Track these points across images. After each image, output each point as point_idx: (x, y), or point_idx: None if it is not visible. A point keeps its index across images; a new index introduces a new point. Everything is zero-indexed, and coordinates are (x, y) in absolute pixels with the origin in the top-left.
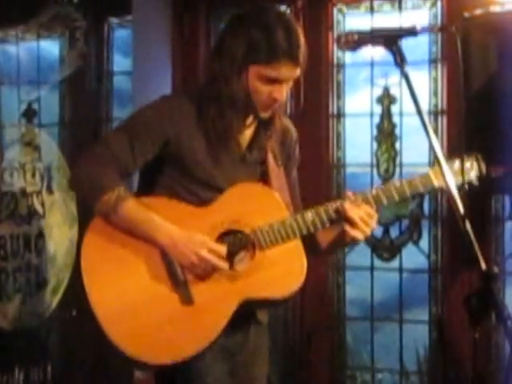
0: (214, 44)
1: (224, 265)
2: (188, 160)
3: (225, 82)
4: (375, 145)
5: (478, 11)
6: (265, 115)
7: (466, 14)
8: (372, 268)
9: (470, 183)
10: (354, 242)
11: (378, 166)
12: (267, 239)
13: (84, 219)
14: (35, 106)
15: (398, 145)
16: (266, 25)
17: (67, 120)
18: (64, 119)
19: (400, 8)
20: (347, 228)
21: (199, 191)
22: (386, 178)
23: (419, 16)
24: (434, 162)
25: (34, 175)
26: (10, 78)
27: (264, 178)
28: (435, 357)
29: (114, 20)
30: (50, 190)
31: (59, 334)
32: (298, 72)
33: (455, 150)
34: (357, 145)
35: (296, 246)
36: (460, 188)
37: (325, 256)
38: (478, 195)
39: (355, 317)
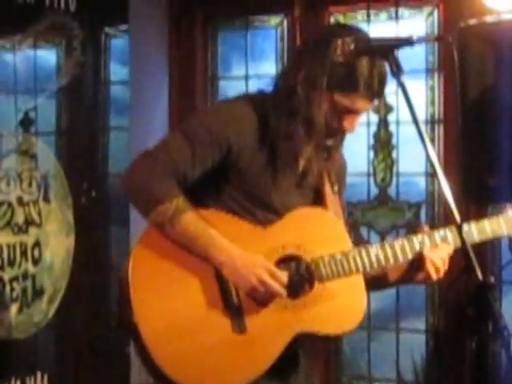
0: (289, 60)
1: (284, 292)
2: (247, 175)
3: (306, 102)
4: (372, 154)
5: (475, 21)
6: (329, 142)
7: (463, 24)
8: None
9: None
10: (425, 281)
11: (374, 174)
12: (328, 271)
13: (81, 228)
14: (32, 115)
15: (394, 154)
16: (352, 54)
17: (64, 129)
18: (61, 128)
19: (397, 17)
20: (425, 266)
21: (254, 210)
22: (383, 187)
23: (416, 25)
24: (431, 172)
25: (30, 184)
26: (6, 87)
27: (318, 203)
28: (432, 366)
29: (110, 29)
30: (46, 199)
31: (56, 343)
32: (372, 105)
33: (452, 160)
34: (353, 154)
35: (356, 281)
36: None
37: (385, 289)
38: (474, 204)
39: None
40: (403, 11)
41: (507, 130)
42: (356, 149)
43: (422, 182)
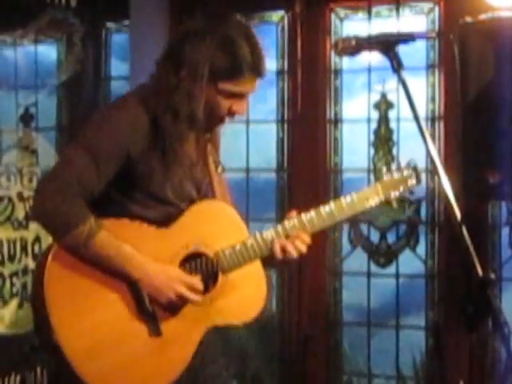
0: (167, 52)
1: (200, 299)
2: (144, 175)
3: (187, 98)
4: (372, 150)
5: (476, 18)
6: (217, 128)
7: (463, 21)
8: (369, 273)
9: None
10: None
11: (375, 171)
12: (230, 262)
13: None
14: (32, 111)
15: (395, 150)
16: (228, 39)
17: (64, 124)
18: (61, 124)
19: (398, 14)
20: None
21: (155, 206)
22: None
23: (417, 22)
24: (431, 168)
25: (31, 179)
26: (7, 83)
27: (204, 183)
28: (432, 362)
29: (111, 25)
30: None
31: None
32: (258, 84)
33: (452, 156)
34: (354, 150)
35: (256, 269)
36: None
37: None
38: (474, 201)
39: (352, 322)
40: (404, 8)
41: (507, 126)
42: (356, 145)
43: (422, 178)
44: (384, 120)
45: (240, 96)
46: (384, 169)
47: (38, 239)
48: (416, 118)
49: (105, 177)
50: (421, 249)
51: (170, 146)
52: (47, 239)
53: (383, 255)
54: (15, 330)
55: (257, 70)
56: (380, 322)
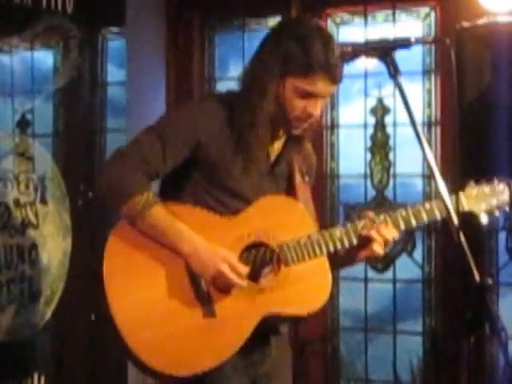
0: (253, 54)
1: (243, 283)
2: (217, 167)
3: (259, 93)
4: (369, 155)
5: (472, 23)
6: (297, 131)
7: (460, 26)
8: (366, 279)
9: (502, 207)
10: (372, 257)
11: (371, 176)
12: (294, 255)
13: (78, 230)
14: (29, 117)
15: (391, 155)
16: (303, 36)
17: (61, 130)
18: (58, 130)
19: (394, 19)
20: (372, 245)
21: (226, 200)
22: (380, 188)
23: (413, 27)
24: (428, 174)
25: (27, 186)
26: (3, 89)
27: (289, 192)
28: (429, 368)
29: (108, 31)
30: (43, 201)
31: (53, 345)
32: (334, 89)
33: (449, 162)
34: (350, 155)
35: (321, 263)
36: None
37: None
38: None
39: (349, 328)
40: (400, 13)
41: (504, 131)
42: (353, 151)
43: (419, 183)
44: (380, 125)
45: (313, 96)
46: (472, 182)
47: (34, 246)
48: (413, 123)
49: (171, 157)
50: (418, 254)
51: (247, 143)
52: (44, 246)
53: (380, 260)
54: (12, 336)
55: (329, 71)
56: (377, 327)
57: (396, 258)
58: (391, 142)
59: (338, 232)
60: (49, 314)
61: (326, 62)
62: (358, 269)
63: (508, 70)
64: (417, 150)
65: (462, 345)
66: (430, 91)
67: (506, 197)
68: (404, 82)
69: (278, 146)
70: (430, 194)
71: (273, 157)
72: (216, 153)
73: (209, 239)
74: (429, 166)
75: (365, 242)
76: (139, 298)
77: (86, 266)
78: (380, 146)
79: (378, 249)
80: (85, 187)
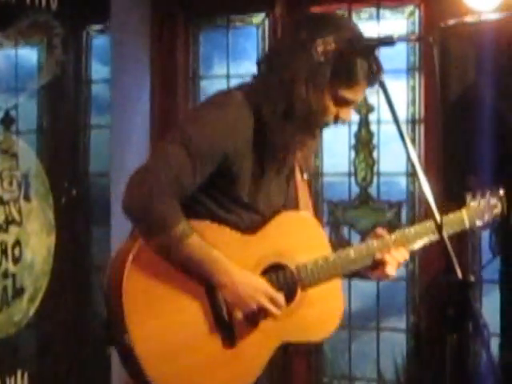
0: (276, 52)
1: (280, 313)
2: (236, 181)
3: (307, 102)
4: (353, 153)
5: (456, 21)
6: (318, 135)
7: (444, 24)
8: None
9: (493, 221)
10: (383, 278)
11: (355, 174)
12: (311, 278)
13: (62, 227)
14: (13, 114)
15: (375, 153)
16: (346, 46)
17: (45, 127)
18: (42, 127)
19: (378, 17)
20: (385, 267)
21: (240, 212)
22: (364, 186)
23: (397, 25)
24: (411, 172)
25: (11, 183)
26: None
27: (290, 192)
28: (412, 365)
29: (92, 28)
30: (27, 198)
31: (36, 342)
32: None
33: (433, 160)
34: (334, 153)
35: (335, 286)
36: (486, 226)
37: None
38: (454, 204)
39: None
40: (384, 11)
41: (488, 129)
42: (337, 148)
43: (402, 181)
44: (364, 123)
45: (349, 103)
46: (469, 196)
47: (18, 243)
48: (396, 121)
49: (201, 177)
50: None
51: (275, 149)
52: (28, 243)
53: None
54: None
55: (371, 78)
56: (361, 324)
57: None
58: (375, 140)
59: (352, 253)
60: (32, 310)
61: (369, 69)
62: None
63: (491, 67)
64: (401, 148)
65: (446, 342)
66: (414, 89)
67: (497, 211)
68: (388, 79)
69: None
70: (413, 192)
71: (286, 160)
72: (238, 166)
73: (231, 258)
74: (412, 164)
75: (378, 263)
76: (159, 327)
77: (69, 262)
78: (364, 143)
79: (392, 271)
80: (69, 184)
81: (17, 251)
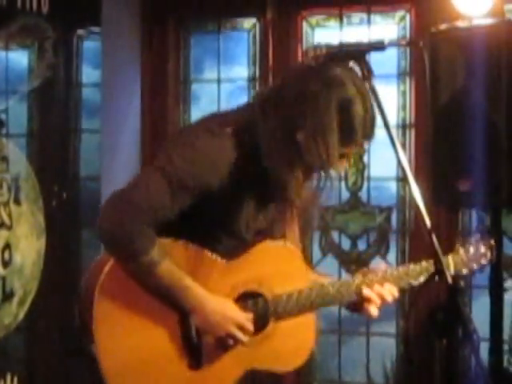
0: (277, 96)
1: (247, 340)
2: (220, 210)
3: (314, 156)
4: None
5: (446, 26)
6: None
7: (434, 29)
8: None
9: (481, 268)
10: (368, 317)
11: (345, 179)
12: (285, 310)
13: (52, 231)
14: (3, 117)
15: (365, 158)
16: (347, 104)
17: (35, 131)
18: (32, 130)
19: (369, 22)
20: (365, 305)
21: (221, 237)
22: (354, 191)
23: (388, 30)
24: (402, 176)
25: (1, 186)
26: None
27: (275, 217)
28: (402, 370)
29: (83, 31)
30: (17, 202)
31: (26, 345)
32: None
33: (423, 165)
34: None
35: (308, 320)
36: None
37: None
38: (445, 209)
39: (323, 330)
40: (375, 16)
41: (478, 134)
42: None
43: (393, 186)
44: None
45: (345, 156)
46: (459, 244)
47: (8, 246)
48: (386, 125)
49: (179, 207)
50: (391, 256)
51: (274, 193)
52: (18, 246)
53: (354, 262)
54: None
55: (369, 135)
56: (351, 329)
57: (370, 260)
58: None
59: (330, 289)
60: (22, 314)
61: (367, 128)
62: (331, 271)
63: (482, 72)
64: (391, 153)
65: (435, 347)
66: (404, 94)
67: (485, 261)
68: (379, 84)
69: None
70: (403, 197)
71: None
72: (222, 195)
73: (205, 282)
74: (402, 169)
75: (361, 300)
76: (126, 342)
77: (59, 266)
78: None
79: (374, 310)
80: (59, 188)
81: (6, 254)
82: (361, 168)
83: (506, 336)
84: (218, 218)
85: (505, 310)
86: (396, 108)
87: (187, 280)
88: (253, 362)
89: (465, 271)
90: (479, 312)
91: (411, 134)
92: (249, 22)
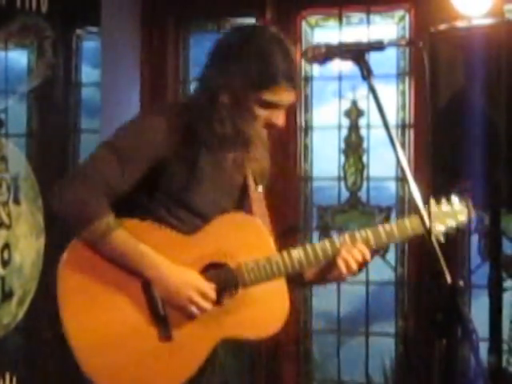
0: (209, 61)
1: (210, 307)
2: (174, 181)
3: (231, 110)
4: (343, 158)
5: (446, 26)
6: (255, 141)
7: (434, 29)
8: None
9: (458, 227)
10: (337, 279)
11: (345, 179)
12: (252, 276)
13: (51, 230)
14: (2, 117)
15: (365, 158)
16: (262, 51)
17: (35, 131)
18: (32, 130)
19: (368, 22)
20: (340, 265)
21: (184, 216)
22: (354, 191)
23: (388, 30)
24: (401, 176)
25: (0, 186)
26: None
27: (244, 204)
28: (401, 370)
29: (82, 31)
30: (16, 201)
31: (25, 345)
32: (295, 96)
33: (422, 165)
34: (324, 158)
35: (279, 286)
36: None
37: (311, 286)
38: None
39: (322, 329)
40: (375, 16)
41: (477, 134)
42: (327, 153)
43: (392, 186)
44: (354, 127)
45: (277, 106)
46: (433, 200)
47: (7, 246)
48: (386, 125)
49: (130, 176)
50: (391, 256)
51: (208, 154)
52: (17, 246)
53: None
54: None
55: (292, 79)
56: (350, 329)
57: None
58: (365, 145)
59: (296, 253)
60: (21, 314)
61: (288, 72)
62: None
63: (481, 72)
64: (390, 153)
65: (434, 347)
66: (404, 94)
67: (463, 218)
68: (378, 84)
69: (231, 157)
70: (403, 197)
71: (228, 168)
72: (172, 166)
73: (168, 257)
74: (402, 169)
75: (333, 263)
76: (94, 320)
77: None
78: (354, 148)
79: (343, 268)
80: None
81: (6, 254)
82: (360, 168)
83: (505, 336)
84: (178, 197)
85: (504, 310)
86: (395, 108)
87: (143, 247)
88: (224, 332)
89: (441, 227)
90: (479, 312)
91: (410, 134)
92: (248, 22)
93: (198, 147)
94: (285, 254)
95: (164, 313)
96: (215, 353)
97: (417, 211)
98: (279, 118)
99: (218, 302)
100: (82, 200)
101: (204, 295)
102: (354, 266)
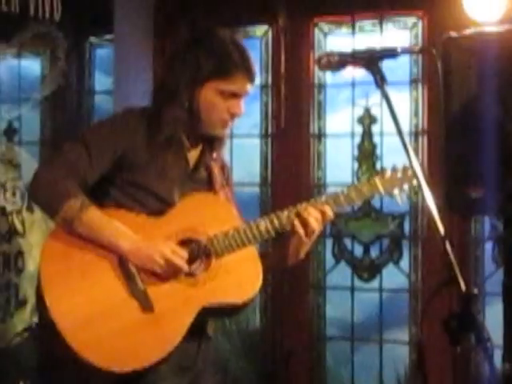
0: (167, 63)
1: (186, 267)
2: (138, 169)
3: (190, 101)
4: (356, 165)
5: (459, 32)
6: (221, 132)
7: (447, 36)
8: (352, 288)
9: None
10: (301, 243)
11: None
12: (223, 246)
13: None
14: (16, 125)
15: (378, 165)
16: (215, 42)
17: (48, 138)
18: (45, 138)
19: (381, 29)
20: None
21: (150, 203)
22: None
23: (400, 36)
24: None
25: (14, 194)
26: None
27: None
28: (415, 377)
29: (95, 39)
30: (30, 209)
31: (39, 353)
32: (251, 87)
33: (436, 171)
34: (337, 165)
35: (251, 253)
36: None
37: (293, 261)
38: (457, 216)
39: (335, 337)
40: (387, 23)
41: (490, 141)
42: (340, 160)
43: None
44: (367, 134)
45: (234, 96)
46: (379, 172)
47: (20, 253)
48: (399, 132)
49: (97, 162)
50: (404, 263)
51: (167, 149)
52: (31, 253)
53: (367, 269)
54: None
55: (246, 69)
56: (363, 336)
57: (382, 267)
58: (378, 151)
59: (262, 222)
60: (35, 321)
61: (243, 61)
62: (344, 278)
63: (494, 79)
64: (404, 159)
65: (448, 354)
66: (416, 101)
67: (407, 186)
68: (391, 91)
69: (195, 153)
70: (416, 203)
71: (192, 163)
72: (137, 160)
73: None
74: (415, 176)
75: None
76: (77, 299)
77: None
78: (367, 155)
79: (299, 227)
80: None
81: (19, 262)
82: (373, 175)
83: None
84: (138, 182)
85: None
86: (408, 115)
87: (116, 222)
88: (204, 300)
89: (396, 191)
90: (492, 319)
91: (424, 141)
92: (261, 30)
93: (160, 144)
94: (252, 223)
95: (142, 285)
96: (199, 342)
97: (431, 218)
98: (238, 107)
99: (193, 272)
100: (55, 181)
101: (175, 252)
102: (314, 224)
